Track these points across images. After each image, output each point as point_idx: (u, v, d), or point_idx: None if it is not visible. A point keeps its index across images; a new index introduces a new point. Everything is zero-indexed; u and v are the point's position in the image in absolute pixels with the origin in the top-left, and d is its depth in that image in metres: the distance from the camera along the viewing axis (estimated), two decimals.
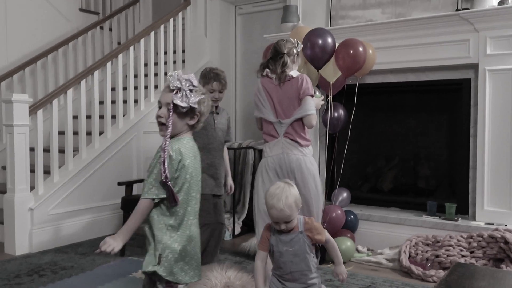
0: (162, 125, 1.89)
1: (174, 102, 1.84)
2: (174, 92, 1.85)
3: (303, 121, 2.78)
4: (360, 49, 3.52)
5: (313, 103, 2.80)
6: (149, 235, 1.93)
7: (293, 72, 2.82)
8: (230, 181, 3.35)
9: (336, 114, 3.86)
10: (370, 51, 3.74)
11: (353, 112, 3.85)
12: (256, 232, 2.94)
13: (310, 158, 2.85)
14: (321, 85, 3.82)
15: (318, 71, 3.58)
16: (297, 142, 2.79)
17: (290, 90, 2.78)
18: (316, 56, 3.49)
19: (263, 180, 2.84)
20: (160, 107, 1.90)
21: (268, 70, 2.87)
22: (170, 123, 1.86)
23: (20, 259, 3.59)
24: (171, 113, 1.86)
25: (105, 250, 1.82)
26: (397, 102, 4.25)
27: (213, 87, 3.08)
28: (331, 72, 3.62)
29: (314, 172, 2.84)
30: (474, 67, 3.66)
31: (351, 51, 3.50)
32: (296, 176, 2.76)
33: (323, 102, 3.27)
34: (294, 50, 2.85)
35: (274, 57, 2.85)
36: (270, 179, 2.79)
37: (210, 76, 3.08)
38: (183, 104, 1.85)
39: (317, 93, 3.28)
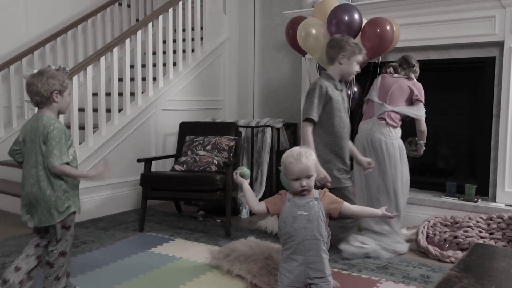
0: None
1: None
2: None
3: (416, 123, 3.25)
4: (388, 28, 3.41)
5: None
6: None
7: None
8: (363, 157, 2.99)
9: (349, 92, 3.81)
10: (395, 29, 3.66)
11: (366, 89, 3.79)
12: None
13: (393, 140, 3.15)
14: None
15: None
16: (386, 122, 3.16)
17: (404, 84, 3.26)
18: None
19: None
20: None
21: (392, 70, 3.34)
22: None
23: None
24: None
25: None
26: (418, 81, 4.16)
27: (362, 58, 2.70)
28: None
29: (392, 154, 3.12)
30: (499, 44, 3.56)
31: (379, 31, 3.38)
32: (379, 154, 3.09)
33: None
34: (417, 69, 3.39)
35: (403, 64, 3.36)
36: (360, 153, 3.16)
37: (361, 47, 2.69)
38: None
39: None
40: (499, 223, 3.18)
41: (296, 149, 2.06)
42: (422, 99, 3.28)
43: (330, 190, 2.47)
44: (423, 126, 3.32)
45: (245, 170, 2.21)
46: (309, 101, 2.56)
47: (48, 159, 2.25)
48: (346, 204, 2.09)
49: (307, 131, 2.55)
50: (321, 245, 2.02)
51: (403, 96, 3.27)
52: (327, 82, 2.59)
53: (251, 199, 2.18)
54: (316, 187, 2.31)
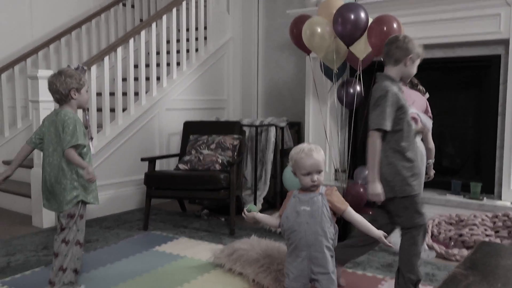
0: None
1: None
2: None
3: (424, 140, 3.13)
4: (395, 26, 3.40)
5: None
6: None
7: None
8: None
9: (351, 90, 3.80)
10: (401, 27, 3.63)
11: (371, 87, 3.77)
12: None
13: (420, 140, 3.12)
14: (349, 60, 3.74)
15: (348, 47, 3.51)
16: (416, 122, 3.09)
17: (423, 99, 3.31)
18: (347, 33, 3.40)
19: None
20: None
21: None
22: None
23: (47, 232, 3.69)
24: None
25: None
26: (423, 80, 4.14)
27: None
28: (362, 49, 3.52)
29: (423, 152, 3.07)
30: (505, 42, 3.54)
31: (385, 29, 3.36)
32: None
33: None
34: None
35: (408, 84, 3.35)
36: None
37: (422, 48, 2.59)
38: None
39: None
40: (504, 221, 3.16)
41: (305, 145, 2.08)
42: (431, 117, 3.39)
43: (402, 198, 2.35)
44: (432, 143, 3.26)
45: (250, 206, 2.28)
46: (381, 109, 2.34)
47: (62, 145, 2.45)
48: (350, 209, 2.07)
49: (377, 143, 2.34)
50: (324, 241, 2.00)
51: (422, 108, 3.30)
52: (393, 86, 2.44)
53: (268, 221, 2.20)
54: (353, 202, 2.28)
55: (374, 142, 2.35)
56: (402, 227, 2.47)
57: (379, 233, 2.04)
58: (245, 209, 2.22)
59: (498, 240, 3.09)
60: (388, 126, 2.33)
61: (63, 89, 2.49)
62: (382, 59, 2.57)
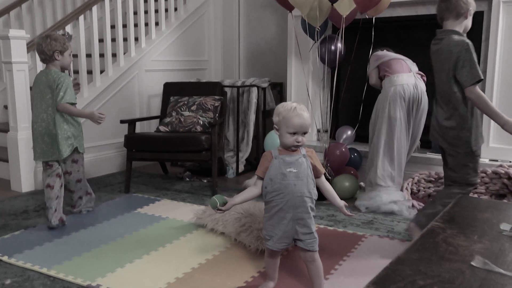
0: None
1: None
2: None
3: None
4: None
5: None
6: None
7: None
8: None
9: (333, 48, 3.74)
10: None
11: (355, 47, 3.72)
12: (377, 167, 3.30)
13: None
14: (332, 18, 3.66)
15: (332, 4, 3.43)
16: (422, 78, 3.40)
17: None
18: None
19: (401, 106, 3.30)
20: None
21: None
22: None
23: (27, 196, 3.64)
24: None
25: None
26: (406, 37, 4.11)
27: None
28: (346, 6, 3.44)
29: (425, 109, 3.35)
30: None
31: None
32: (419, 108, 3.32)
33: None
34: None
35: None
36: (402, 106, 3.30)
37: None
38: None
39: None
40: (482, 177, 3.21)
41: (294, 103, 1.99)
42: None
43: (470, 154, 2.41)
44: None
45: (219, 199, 1.99)
46: (470, 63, 2.30)
47: (55, 101, 2.82)
48: (323, 177, 2.07)
49: (482, 93, 2.30)
50: (309, 202, 2.00)
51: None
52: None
53: (249, 195, 2.03)
54: None
55: (479, 95, 2.30)
56: (452, 181, 2.52)
57: (341, 203, 2.07)
58: (218, 205, 1.98)
59: (475, 196, 3.15)
60: (482, 74, 2.30)
61: (48, 50, 2.83)
62: (438, 17, 2.53)
